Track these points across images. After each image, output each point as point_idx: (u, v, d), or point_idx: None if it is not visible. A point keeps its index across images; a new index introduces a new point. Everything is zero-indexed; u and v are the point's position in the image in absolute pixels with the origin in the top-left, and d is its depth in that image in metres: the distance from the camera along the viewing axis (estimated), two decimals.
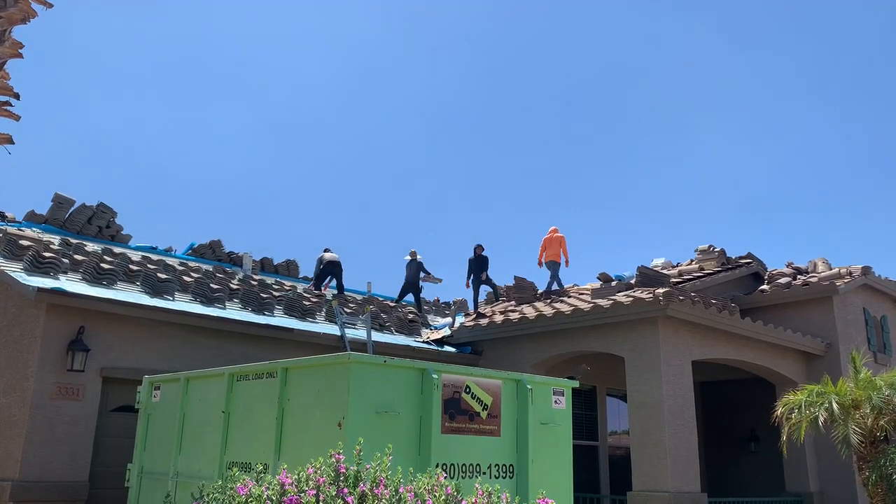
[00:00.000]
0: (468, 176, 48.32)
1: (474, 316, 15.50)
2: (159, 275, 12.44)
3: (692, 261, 17.88)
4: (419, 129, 46.96)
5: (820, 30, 43.43)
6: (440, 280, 17.54)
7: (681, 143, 45.79)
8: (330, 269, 16.32)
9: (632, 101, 46.95)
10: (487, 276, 16.11)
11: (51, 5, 6.07)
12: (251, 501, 3.87)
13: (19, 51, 6.05)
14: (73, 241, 13.77)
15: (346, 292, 16.76)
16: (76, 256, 11.98)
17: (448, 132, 47.61)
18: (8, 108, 6.11)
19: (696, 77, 45.82)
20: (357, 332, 13.05)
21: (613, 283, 15.09)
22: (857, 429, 10.74)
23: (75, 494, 9.73)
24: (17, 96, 6.19)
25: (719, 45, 44.91)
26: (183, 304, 11.84)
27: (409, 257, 17.02)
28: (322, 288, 16.46)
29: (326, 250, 16.53)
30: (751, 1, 43.40)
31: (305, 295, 15.40)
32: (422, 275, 17.04)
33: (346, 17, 44.81)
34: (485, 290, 16.91)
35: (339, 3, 45.15)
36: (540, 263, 16.41)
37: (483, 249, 16.20)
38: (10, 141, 6.23)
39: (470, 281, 16.17)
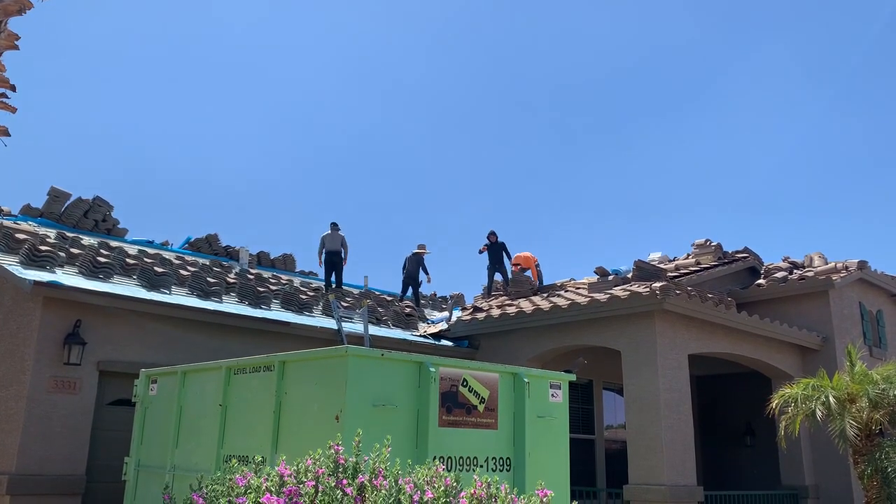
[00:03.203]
0: (466, 173, 48.33)
1: (471, 310, 15.53)
2: (156, 268, 12.43)
3: (689, 255, 17.90)
4: (418, 125, 46.93)
5: (816, 26, 43.46)
6: (429, 280, 17.58)
7: (678, 139, 45.83)
8: (330, 260, 16.19)
9: (630, 98, 46.96)
10: (503, 265, 16.90)
11: None
12: (250, 493, 3.87)
13: (15, 42, 6.04)
14: (70, 234, 13.74)
15: (343, 286, 16.73)
16: (72, 250, 11.95)
17: (447, 130, 47.59)
18: (4, 100, 6.09)
19: (694, 74, 45.84)
20: (354, 326, 13.05)
21: (610, 278, 15.11)
22: (853, 422, 10.77)
23: (72, 488, 9.72)
24: (13, 88, 6.18)
25: (716, 42, 44.92)
26: (180, 297, 11.82)
27: (417, 251, 17.08)
28: (329, 284, 16.31)
29: (333, 225, 16.15)
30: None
31: (302, 289, 15.39)
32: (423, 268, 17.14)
33: (345, 12, 44.71)
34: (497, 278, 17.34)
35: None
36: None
37: (497, 237, 16.75)
38: (6, 133, 6.22)
39: (486, 267, 17.12)
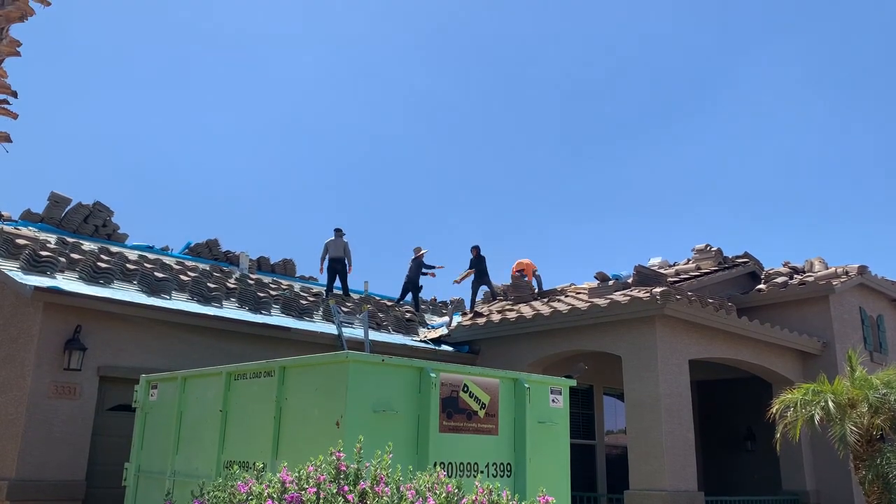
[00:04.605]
0: (466, 176, 48.35)
1: (471, 315, 15.51)
2: (156, 274, 12.43)
3: (689, 260, 17.90)
4: (417, 130, 46.98)
5: (817, 29, 43.54)
6: (441, 266, 17.41)
7: (679, 143, 45.89)
8: (333, 268, 16.17)
9: (631, 102, 47.02)
10: (486, 276, 16.37)
11: (49, 3, 6.07)
12: (252, 499, 3.87)
13: (17, 49, 6.05)
14: (70, 240, 13.74)
15: (350, 294, 16.64)
16: (73, 255, 11.95)
17: (446, 133, 47.64)
18: (5, 106, 6.10)
19: (696, 77, 45.91)
20: (354, 332, 13.03)
21: (611, 283, 15.11)
22: (853, 427, 10.76)
23: (72, 493, 9.71)
24: (14, 94, 6.19)
25: (717, 45, 45.00)
26: (180, 303, 11.82)
27: (416, 256, 17.05)
28: (331, 290, 16.28)
29: (337, 231, 16.11)
30: (749, 0, 43.47)
31: (302, 294, 15.39)
32: (424, 271, 17.02)
33: (344, 17, 44.80)
34: (482, 290, 17.07)
35: (338, 3, 45.13)
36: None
37: (480, 250, 16.43)
38: (7, 139, 6.22)
39: (464, 279, 16.43)
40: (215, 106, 44.61)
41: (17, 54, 6.04)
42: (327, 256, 16.14)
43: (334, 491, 3.95)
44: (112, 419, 10.30)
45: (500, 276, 18.73)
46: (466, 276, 16.53)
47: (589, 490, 14.19)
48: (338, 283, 16.42)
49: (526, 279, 16.94)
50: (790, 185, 47.17)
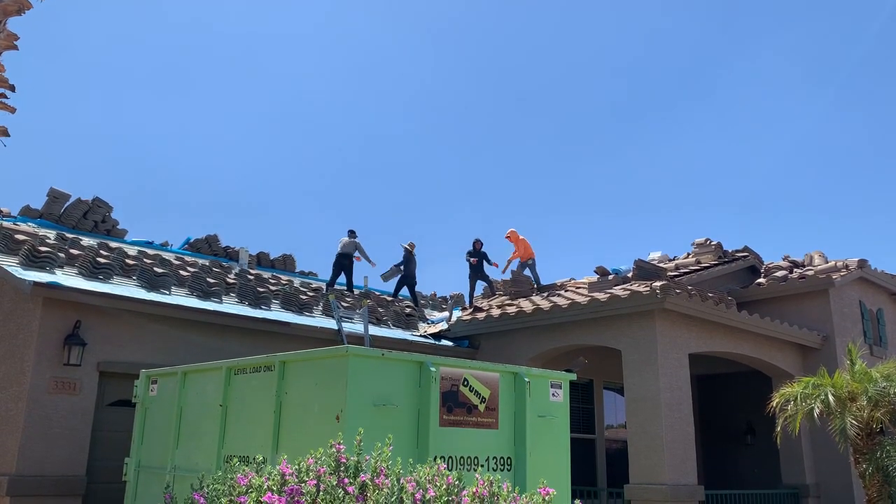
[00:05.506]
0: (465, 172, 48.34)
1: (471, 310, 15.50)
2: (156, 269, 12.42)
3: (689, 254, 17.89)
4: (415, 124, 46.94)
5: (816, 25, 43.47)
6: (374, 264, 16.97)
7: (678, 138, 45.86)
8: (339, 262, 16.15)
9: (629, 97, 46.99)
10: (484, 271, 16.34)
11: None
12: (251, 492, 3.86)
13: (14, 42, 6.03)
14: (69, 235, 13.72)
15: (353, 289, 16.59)
16: (72, 251, 11.94)
17: (445, 128, 47.60)
18: (4, 100, 6.08)
19: (694, 72, 45.87)
20: (354, 326, 13.04)
21: (610, 277, 15.10)
22: (853, 421, 10.76)
23: (72, 489, 9.72)
24: (12, 88, 6.16)
25: (717, 41, 44.96)
26: (179, 298, 11.81)
27: (407, 247, 16.97)
28: (333, 285, 16.27)
29: (351, 233, 16.13)
30: None
31: (302, 289, 15.39)
32: (356, 253, 16.30)
33: (342, 13, 44.74)
34: (481, 284, 17.03)
35: (337, 0, 45.06)
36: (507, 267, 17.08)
37: (482, 245, 16.41)
38: (5, 134, 6.20)
39: (468, 276, 16.38)
40: (215, 100, 44.58)
41: (15, 48, 6.02)
42: (337, 252, 16.15)
43: (334, 483, 3.95)
44: (112, 414, 10.30)
45: (498, 271, 18.65)
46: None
47: (589, 484, 14.20)
48: (342, 278, 16.42)
49: (515, 253, 16.73)
50: (789, 178, 47.19)
